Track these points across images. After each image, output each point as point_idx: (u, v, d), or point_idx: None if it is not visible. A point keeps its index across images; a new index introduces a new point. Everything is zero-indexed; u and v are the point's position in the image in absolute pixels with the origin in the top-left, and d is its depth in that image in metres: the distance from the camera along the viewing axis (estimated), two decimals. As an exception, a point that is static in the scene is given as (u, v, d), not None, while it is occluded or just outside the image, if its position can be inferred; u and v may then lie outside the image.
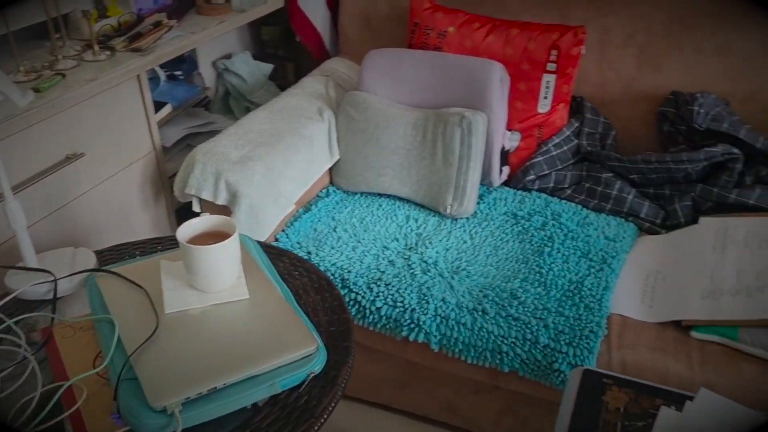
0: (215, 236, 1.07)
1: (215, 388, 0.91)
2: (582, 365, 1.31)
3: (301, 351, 0.97)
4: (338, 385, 0.98)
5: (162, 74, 1.98)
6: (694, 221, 1.59)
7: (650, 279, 1.49)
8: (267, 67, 2.26)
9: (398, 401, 1.70)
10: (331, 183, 1.89)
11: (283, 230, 1.68)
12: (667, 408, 1.02)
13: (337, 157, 1.84)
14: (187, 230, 1.08)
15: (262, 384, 0.94)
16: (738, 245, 1.45)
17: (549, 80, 1.75)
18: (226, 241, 1.04)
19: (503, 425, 1.57)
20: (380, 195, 1.82)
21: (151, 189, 1.74)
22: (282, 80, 2.36)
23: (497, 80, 1.70)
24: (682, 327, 1.37)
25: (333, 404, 0.96)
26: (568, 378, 1.13)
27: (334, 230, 1.68)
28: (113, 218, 1.63)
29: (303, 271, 1.21)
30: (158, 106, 1.79)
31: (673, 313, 1.38)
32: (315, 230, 1.69)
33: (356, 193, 1.84)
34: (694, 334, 1.35)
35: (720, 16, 1.70)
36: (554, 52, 1.72)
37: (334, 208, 1.78)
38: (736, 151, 1.58)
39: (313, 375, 0.97)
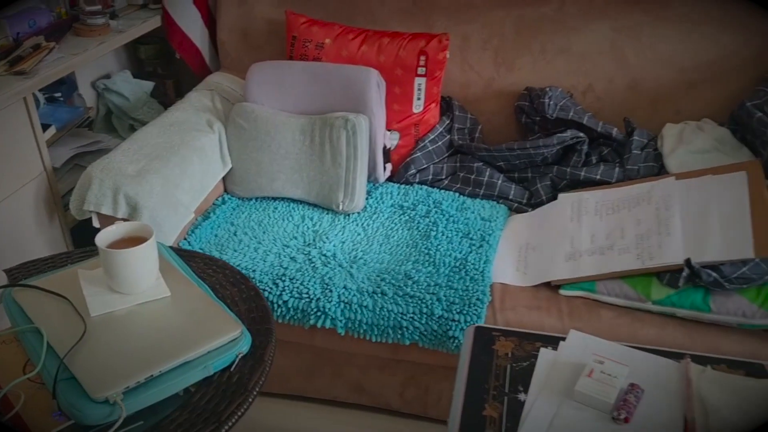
0: (131, 241, 1.14)
1: (152, 375, 0.99)
2: (472, 329, 1.49)
3: (228, 335, 1.07)
4: (265, 362, 1.09)
5: (41, 97, 1.97)
6: (554, 198, 1.83)
7: (522, 250, 1.71)
8: (148, 85, 2.30)
9: (308, 389, 1.81)
10: (226, 191, 1.97)
11: (184, 238, 1.74)
12: (545, 349, 1.21)
13: (229, 166, 1.92)
14: (105, 237, 1.14)
15: (196, 368, 1.03)
16: (590, 214, 1.70)
17: (420, 83, 1.94)
18: (146, 243, 1.12)
19: (408, 396, 1.73)
20: (275, 198, 1.93)
21: (45, 209, 1.74)
22: (163, 97, 2.40)
23: (375, 85, 1.87)
24: (552, 287, 1.59)
25: (263, 379, 1.07)
26: (463, 335, 1.30)
27: (235, 234, 1.77)
28: (9, 241, 1.62)
29: (216, 269, 1.30)
30: (42, 128, 1.79)
31: (543, 276, 1.60)
32: (216, 236, 1.77)
33: (251, 199, 1.93)
34: (562, 291, 1.57)
35: (560, 21, 1.96)
36: (423, 58, 1.91)
37: (231, 213, 1.86)
38: (582, 134, 1.84)
39: (241, 355, 1.07)
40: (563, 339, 1.23)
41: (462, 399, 1.12)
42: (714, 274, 1.42)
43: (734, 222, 1.49)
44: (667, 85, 1.92)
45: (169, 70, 2.43)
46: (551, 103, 1.87)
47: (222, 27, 2.19)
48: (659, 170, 1.78)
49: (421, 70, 1.92)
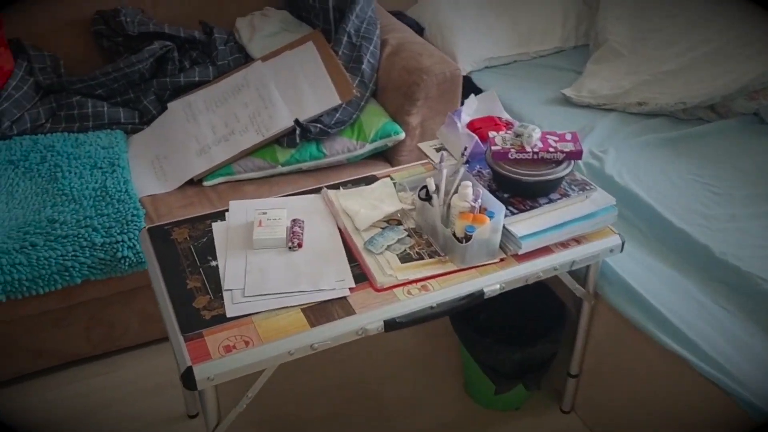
0: None
1: None
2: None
3: None
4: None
5: None
6: (164, 109, 1.91)
7: (155, 162, 1.78)
8: None
9: (-18, 382, 1.65)
10: None
11: None
12: (215, 223, 1.36)
13: None
14: None
15: None
16: (203, 111, 1.84)
17: (-21, 28, 1.77)
18: None
19: (95, 338, 1.71)
20: None
21: None
22: None
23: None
24: (195, 183, 1.72)
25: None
26: (140, 241, 1.36)
27: None
28: None
29: None
30: None
31: (184, 177, 1.72)
32: None
33: None
34: (205, 183, 1.73)
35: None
36: (-28, -1, 1.74)
37: None
38: (169, 43, 1.93)
39: None
40: (227, 210, 1.40)
41: (164, 287, 1.21)
42: (319, 125, 1.73)
43: (318, 81, 1.81)
44: (224, -16, 2.11)
45: None
46: (128, 20, 1.91)
47: None
48: (246, 59, 2.00)
49: (-25, 14, 1.76)
